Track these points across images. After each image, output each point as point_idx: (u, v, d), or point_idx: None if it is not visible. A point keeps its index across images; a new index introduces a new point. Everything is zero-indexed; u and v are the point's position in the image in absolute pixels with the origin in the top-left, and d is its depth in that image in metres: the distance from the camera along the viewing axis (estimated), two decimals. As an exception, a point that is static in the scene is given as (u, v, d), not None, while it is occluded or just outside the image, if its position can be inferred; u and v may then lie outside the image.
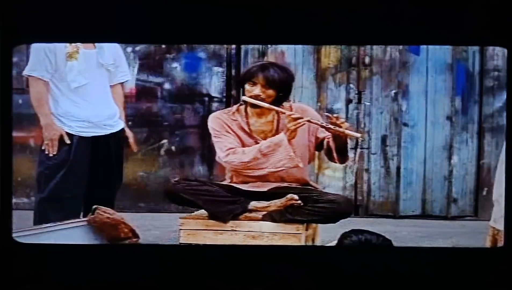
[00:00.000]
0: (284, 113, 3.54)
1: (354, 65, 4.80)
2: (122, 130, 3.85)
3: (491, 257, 3.23)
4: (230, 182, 3.63)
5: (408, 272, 3.16)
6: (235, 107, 3.70)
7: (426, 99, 4.79)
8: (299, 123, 3.48)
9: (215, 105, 4.79)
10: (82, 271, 3.09)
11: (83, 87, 3.73)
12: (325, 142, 3.61)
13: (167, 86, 4.84)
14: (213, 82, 4.84)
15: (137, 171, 4.83)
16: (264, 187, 3.57)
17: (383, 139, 4.84)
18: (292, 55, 4.75)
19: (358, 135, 3.75)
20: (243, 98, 3.60)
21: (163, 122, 4.85)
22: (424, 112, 4.79)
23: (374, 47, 4.74)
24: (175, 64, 4.82)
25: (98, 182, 3.77)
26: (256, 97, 3.54)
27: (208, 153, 4.72)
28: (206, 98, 4.84)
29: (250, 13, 3.12)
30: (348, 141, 3.59)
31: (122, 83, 3.89)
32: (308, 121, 3.51)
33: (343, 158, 3.60)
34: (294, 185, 3.61)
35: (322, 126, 3.54)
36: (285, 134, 3.51)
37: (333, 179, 4.81)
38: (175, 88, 4.84)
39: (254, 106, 3.57)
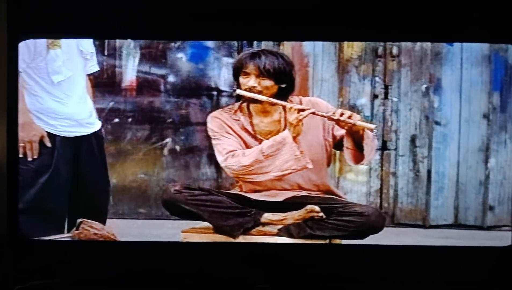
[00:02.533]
0: (285, 106, 3.34)
1: (380, 56, 4.51)
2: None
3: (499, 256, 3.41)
4: (240, 191, 3.40)
5: (412, 272, 3.30)
6: (236, 104, 3.48)
7: (460, 95, 4.49)
8: (302, 115, 3.29)
9: (224, 100, 4.52)
10: (87, 267, 3.20)
11: (65, 80, 3.51)
12: (344, 140, 3.42)
13: (171, 78, 4.53)
14: (222, 75, 4.48)
15: (137, 173, 4.61)
16: (280, 197, 3.32)
17: (412, 139, 4.54)
18: (311, 44, 4.45)
19: (372, 126, 3.50)
20: (237, 91, 3.43)
21: (166, 119, 4.53)
22: (458, 109, 4.49)
23: (403, 36, 4.53)
24: (180, 54, 4.53)
25: (84, 189, 3.55)
26: (251, 89, 3.35)
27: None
28: (215, 92, 4.50)
29: (266, 7, 3.26)
30: (374, 139, 3.42)
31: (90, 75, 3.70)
32: (313, 113, 3.31)
33: (360, 156, 3.43)
34: (314, 193, 3.39)
35: (330, 118, 3.34)
36: (289, 130, 3.29)
37: (356, 184, 4.56)
38: (180, 81, 4.52)
39: (255, 102, 3.37)
